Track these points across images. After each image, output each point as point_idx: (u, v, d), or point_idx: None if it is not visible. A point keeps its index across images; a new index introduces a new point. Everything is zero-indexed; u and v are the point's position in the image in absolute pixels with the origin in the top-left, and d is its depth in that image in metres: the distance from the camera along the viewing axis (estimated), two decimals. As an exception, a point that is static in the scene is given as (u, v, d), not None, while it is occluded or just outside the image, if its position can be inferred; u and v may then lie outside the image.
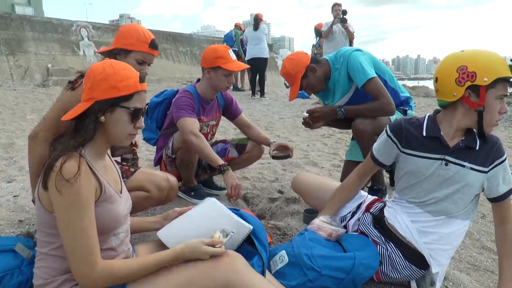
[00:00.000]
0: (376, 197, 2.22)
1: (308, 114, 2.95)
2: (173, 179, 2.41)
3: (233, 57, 2.94)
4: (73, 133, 1.45)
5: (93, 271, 1.34)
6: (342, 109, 2.80)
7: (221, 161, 2.73)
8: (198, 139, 2.73)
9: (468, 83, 1.67)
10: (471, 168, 1.78)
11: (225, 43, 12.68)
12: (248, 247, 1.69)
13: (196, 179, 3.19)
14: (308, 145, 5.51)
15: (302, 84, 2.90)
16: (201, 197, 3.06)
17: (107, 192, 1.45)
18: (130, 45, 2.16)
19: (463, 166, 1.78)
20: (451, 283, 2.03)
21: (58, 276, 1.42)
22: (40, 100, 8.67)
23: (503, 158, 1.78)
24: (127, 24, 2.19)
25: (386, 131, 1.98)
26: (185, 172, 3.05)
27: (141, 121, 1.51)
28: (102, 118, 1.43)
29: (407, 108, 3.02)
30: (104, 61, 1.48)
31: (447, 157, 1.80)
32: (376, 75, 2.74)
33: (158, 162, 3.20)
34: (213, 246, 1.49)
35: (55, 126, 2.04)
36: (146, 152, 4.64)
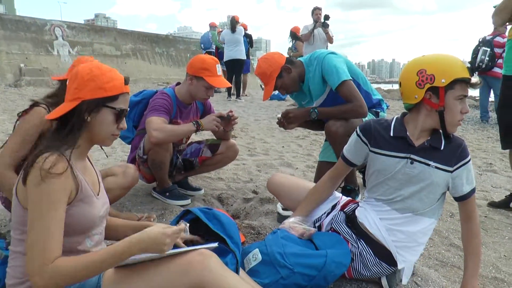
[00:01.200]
0: (351, 198, 2.27)
1: (282, 115, 2.98)
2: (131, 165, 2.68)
3: (219, 72, 2.94)
4: (56, 133, 1.46)
5: (42, 269, 1.28)
6: (316, 110, 2.85)
7: (191, 124, 2.81)
8: (160, 130, 2.72)
9: (428, 85, 1.77)
10: (436, 167, 1.85)
11: (202, 45, 12.66)
12: (221, 246, 1.70)
13: (171, 179, 3.19)
14: (283, 147, 5.56)
15: (277, 84, 2.93)
16: (176, 197, 3.06)
17: (83, 192, 1.45)
18: None
19: (428, 165, 1.86)
20: (419, 279, 2.08)
21: None
22: (12, 100, 8.49)
23: (468, 159, 1.86)
24: (79, 57, 2.37)
25: (356, 131, 2.04)
26: (158, 173, 3.04)
27: (124, 122, 1.55)
28: (88, 117, 1.46)
29: (379, 110, 3.08)
30: (90, 63, 1.53)
31: (413, 156, 1.88)
32: (350, 78, 2.79)
33: (132, 161, 3.17)
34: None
35: (17, 150, 2.19)
36: (121, 153, 4.61)
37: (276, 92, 12.08)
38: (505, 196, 3.46)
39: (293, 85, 2.97)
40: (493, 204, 3.43)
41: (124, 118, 1.56)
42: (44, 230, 1.31)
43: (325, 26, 8.23)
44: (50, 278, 1.28)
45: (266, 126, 7.24)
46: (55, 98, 2.31)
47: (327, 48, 8.38)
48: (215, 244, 1.53)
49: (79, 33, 13.19)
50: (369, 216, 1.99)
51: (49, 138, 1.45)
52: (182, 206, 3.01)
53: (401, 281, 1.96)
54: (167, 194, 3.09)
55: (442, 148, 1.86)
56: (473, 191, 1.88)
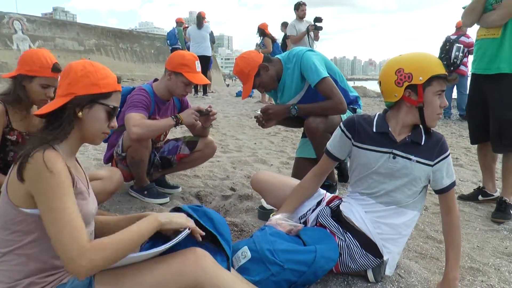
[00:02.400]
0: (335, 195, 2.31)
1: (261, 111, 2.98)
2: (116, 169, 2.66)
3: (198, 68, 2.91)
4: (47, 128, 1.43)
5: (84, 252, 1.23)
6: (296, 107, 2.87)
7: (170, 118, 2.78)
8: (140, 125, 2.67)
9: (406, 84, 1.84)
10: (417, 161, 1.92)
11: (168, 41, 12.49)
12: (208, 245, 1.69)
13: (148, 178, 3.14)
14: (255, 143, 5.58)
15: (255, 82, 2.94)
16: (154, 196, 3.02)
17: (78, 187, 1.43)
18: (33, 71, 2.25)
19: (410, 159, 1.92)
20: (402, 271, 2.14)
21: (22, 280, 1.36)
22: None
23: (447, 153, 1.94)
24: (27, 50, 2.33)
25: (340, 126, 2.10)
26: (136, 171, 2.99)
27: (115, 121, 1.53)
28: (80, 113, 1.44)
29: (356, 107, 3.14)
30: (83, 60, 1.53)
31: (395, 151, 1.94)
32: (328, 75, 2.83)
33: (109, 160, 3.11)
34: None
35: None
36: (93, 151, 4.49)
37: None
38: (474, 190, 3.60)
39: (271, 83, 2.99)
40: (462, 197, 3.56)
41: (115, 117, 1.54)
42: (68, 216, 1.28)
43: (318, 29, 7.75)
44: (99, 255, 1.25)
45: (236, 123, 7.24)
46: (12, 96, 2.25)
47: (312, 46, 7.96)
48: (187, 231, 1.50)
49: (40, 27, 12.75)
50: (354, 210, 2.04)
51: (40, 134, 1.41)
52: (161, 204, 2.98)
53: (385, 273, 2.02)
54: (145, 192, 3.04)
55: (422, 143, 1.93)
56: (453, 184, 1.96)
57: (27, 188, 1.31)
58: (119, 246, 1.30)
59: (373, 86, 16.12)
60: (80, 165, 1.62)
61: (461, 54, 7.50)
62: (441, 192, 1.97)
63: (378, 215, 1.99)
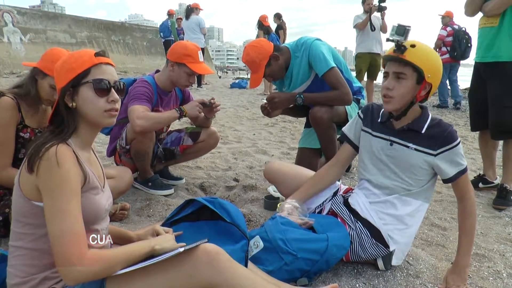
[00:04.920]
0: (349, 187, 2.32)
1: (267, 99, 2.98)
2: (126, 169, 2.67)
3: (201, 58, 2.90)
4: (55, 127, 1.42)
5: (82, 258, 1.24)
6: (302, 96, 2.87)
7: (174, 110, 2.80)
8: (145, 118, 2.67)
9: None
10: (416, 149, 1.94)
11: (161, 33, 12.40)
12: (234, 230, 1.67)
13: (152, 169, 3.13)
14: (254, 134, 5.58)
15: (265, 72, 2.92)
16: (159, 187, 3.02)
17: (91, 183, 1.40)
18: (47, 69, 2.21)
19: (408, 147, 1.95)
20: (411, 258, 2.16)
21: (36, 274, 1.35)
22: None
23: (454, 143, 1.90)
24: (54, 48, 2.30)
25: (358, 112, 2.20)
26: (141, 163, 2.98)
27: (113, 94, 1.44)
28: (73, 104, 1.40)
29: (360, 97, 3.15)
30: (62, 51, 1.57)
31: (392, 138, 2.00)
32: (335, 65, 2.83)
33: (112, 153, 3.09)
34: None
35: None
36: (94, 143, 4.45)
37: (237, 80, 11.91)
38: (474, 177, 3.63)
39: (279, 73, 2.98)
40: (462, 185, 3.58)
41: (113, 89, 1.45)
42: (71, 215, 1.27)
43: (381, 9, 7.28)
44: (90, 267, 1.25)
45: (233, 114, 7.23)
46: (24, 89, 2.21)
47: (380, 38, 7.66)
48: (205, 240, 1.44)
49: (31, 20, 12.55)
50: (360, 200, 2.07)
51: (49, 131, 1.40)
52: (165, 196, 2.98)
53: (392, 263, 2.03)
54: (150, 184, 3.03)
55: (423, 131, 1.93)
56: (461, 172, 1.93)
57: (35, 181, 1.29)
58: (112, 263, 1.29)
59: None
60: (97, 157, 1.60)
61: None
62: (447, 181, 1.95)
63: (381, 205, 2.02)
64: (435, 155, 1.92)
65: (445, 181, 1.96)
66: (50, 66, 2.17)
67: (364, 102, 3.14)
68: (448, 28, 8.42)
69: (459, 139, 1.93)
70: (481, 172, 3.60)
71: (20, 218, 1.36)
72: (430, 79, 1.84)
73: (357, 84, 3.17)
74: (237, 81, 14.14)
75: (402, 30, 1.86)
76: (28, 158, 1.30)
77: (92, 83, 1.40)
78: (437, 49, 8.48)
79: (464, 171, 1.94)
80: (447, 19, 8.67)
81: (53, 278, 1.36)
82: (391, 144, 1.99)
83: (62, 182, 1.27)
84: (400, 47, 1.82)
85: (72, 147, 1.37)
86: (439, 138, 1.91)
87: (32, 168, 1.28)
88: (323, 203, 2.20)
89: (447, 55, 8.38)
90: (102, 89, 1.41)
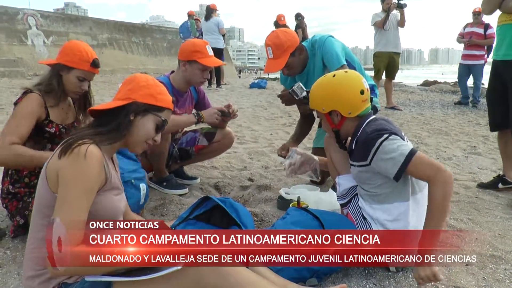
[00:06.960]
0: None
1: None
2: None
3: (210, 52, 2.92)
4: (96, 126, 1.51)
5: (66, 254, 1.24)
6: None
7: (192, 115, 2.89)
8: None
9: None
10: (357, 166, 2.04)
11: (181, 34, 12.51)
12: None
13: (167, 169, 3.17)
14: (271, 134, 5.59)
15: (288, 61, 2.85)
16: (174, 187, 3.05)
17: (112, 183, 1.48)
18: (72, 63, 2.27)
19: (354, 165, 2.07)
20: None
21: None
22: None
23: (377, 145, 1.87)
24: (71, 41, 2.34)
25: None
26: (156, 163, 3.02)
27: (160, 136, 1.61)
28: (132, 118, 1.52)
29: (372, 96, 3.10)
30: (146, 75, 1.67)
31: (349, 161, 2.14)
32: (345, 63, 2.82)
33: (128, 153, 3.14)
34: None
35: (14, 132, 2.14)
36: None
37: (257, 80, 11.85)
38: (493, 177, 3.56)
39: (298, 67, 2.97)
40: (482, 185, 3.52)
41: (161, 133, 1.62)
42: (75, 213, 1.32)
43: (400, 6, 7.29)
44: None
45: (251, 114, 7.25)
46: (48, 86, 2.27)
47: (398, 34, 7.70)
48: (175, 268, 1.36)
49: (54, 23, 12.87)
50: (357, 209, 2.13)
51: (89, 129, 1.49)
52: (180, 195, 3.01)
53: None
54: (165, 183, 3.07)
55: (353, 147, 2.03)
56: (403, 164, 1.81)
57: (59, 167, 1.35)
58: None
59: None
60: (115, 165, 1.66)
61: None
62: (396, 178, 1.85)
63: (365, 212, 2.07)
64: (369, 164, 1.94)
65: (395, 178, 1.86)
66: (75, 59, 2.26)
67: (376, 100, 3.11)
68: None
69: (383, 137, 1.87)
70: (501, 172, 3.53)
71: (41, 209, 1.42)
72: (326, 110, 2.02)
73: (370, 81, 3.14)
74: (256, 81, 14.15)
75: None
76: (64, 143, 1.39)
77: (160, 120, 1.58)
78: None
79: (405, 160, 1.81)
80: (481, 16, 8.10)
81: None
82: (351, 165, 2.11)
83: (80, 176, 1.33)
84: (307, 99, 2.13)
85: (102, 153, 1.44)
86: (364, 147, 1.94)
87: (64, 153, 1.36)
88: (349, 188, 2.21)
89: (485, 55, 8.17)
90: (160, 129, 1.61)
